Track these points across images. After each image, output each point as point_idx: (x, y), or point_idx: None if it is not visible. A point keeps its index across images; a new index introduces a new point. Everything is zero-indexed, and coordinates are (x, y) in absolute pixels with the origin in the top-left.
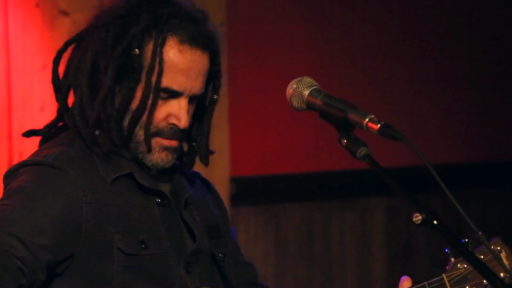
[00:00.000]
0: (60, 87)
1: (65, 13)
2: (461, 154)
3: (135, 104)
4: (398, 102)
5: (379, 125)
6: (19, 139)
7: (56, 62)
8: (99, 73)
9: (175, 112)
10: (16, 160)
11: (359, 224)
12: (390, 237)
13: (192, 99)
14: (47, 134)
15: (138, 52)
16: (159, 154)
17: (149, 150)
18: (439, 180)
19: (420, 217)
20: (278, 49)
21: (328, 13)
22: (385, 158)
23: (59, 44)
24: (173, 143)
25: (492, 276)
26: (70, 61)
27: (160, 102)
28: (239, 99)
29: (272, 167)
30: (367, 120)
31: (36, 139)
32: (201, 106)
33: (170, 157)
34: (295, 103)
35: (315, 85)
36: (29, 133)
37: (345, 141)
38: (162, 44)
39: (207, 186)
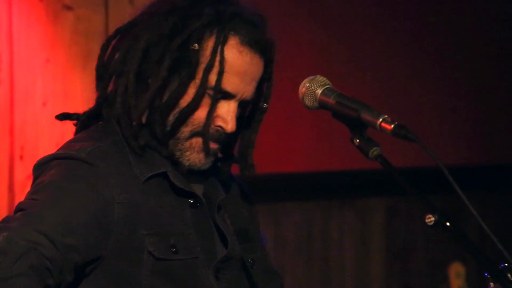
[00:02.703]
0: (102, 75)
1: (69, 8)
2: (460, 157)
3: (185, 100)
4: (397, 104)
5: (392, 126)
6: (21, 133)
7: (104, 49)
8: (149, 63)
9: (224, 114)
10: (17, 155)
11: (359, 224)
12: (389, 238)
13: (240, 104)
14: (85, 122)
15: (197, 47)
16: (198, 154)
17: (206, 150)
18: (452, 182)
19: (433, 219)
20: (279, 48)
21: (329, 12)
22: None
23: (63, 39)
24: (215, 145)
25: None
26: (116, 48)
27: (209, 102)
28: None
29: (272, 166)
30: (380, 120)
31: (38, 134)
32: (241, 113)
33: (209, 159)
34: (308, 102)
35: (328, 84)
36: (62, 116)
37: (357, 141)
38: (224, 43)
39: (240, 186)
